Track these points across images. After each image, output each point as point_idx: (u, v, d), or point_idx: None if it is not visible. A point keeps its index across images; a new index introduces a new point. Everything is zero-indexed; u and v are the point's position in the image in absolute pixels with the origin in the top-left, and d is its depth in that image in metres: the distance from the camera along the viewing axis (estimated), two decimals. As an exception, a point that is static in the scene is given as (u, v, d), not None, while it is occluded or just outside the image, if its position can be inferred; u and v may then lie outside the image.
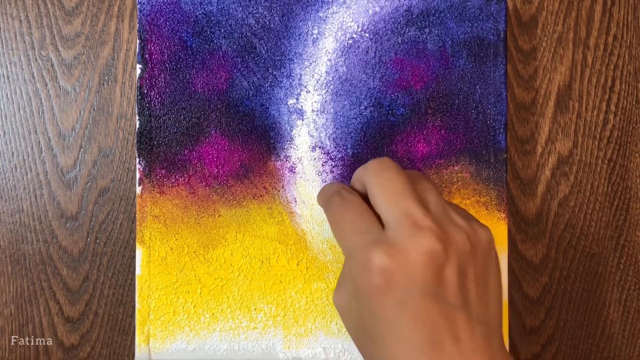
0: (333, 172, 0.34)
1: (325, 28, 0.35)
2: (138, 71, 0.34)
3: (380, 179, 0.27)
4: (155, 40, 0.34)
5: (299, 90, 0.35)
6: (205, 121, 0.34)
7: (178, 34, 0.34)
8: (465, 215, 0.27)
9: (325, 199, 0.28)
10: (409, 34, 0.35)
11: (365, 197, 0.28)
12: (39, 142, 0.36)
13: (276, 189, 0.34)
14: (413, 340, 0.24)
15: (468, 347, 0.24)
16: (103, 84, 0.36)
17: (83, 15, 0.36)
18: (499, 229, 0.34)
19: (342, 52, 0.35)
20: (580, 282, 0.37)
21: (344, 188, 0.28)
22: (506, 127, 0.34)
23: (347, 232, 0.26)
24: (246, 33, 0.34)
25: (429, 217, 0.25)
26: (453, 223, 0.26)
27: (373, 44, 0.35)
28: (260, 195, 0.34)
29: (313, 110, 0.35)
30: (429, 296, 0.24)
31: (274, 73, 0.34)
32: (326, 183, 0.33)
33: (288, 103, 0.35)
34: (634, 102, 0.37)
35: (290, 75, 0.35)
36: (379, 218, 0.26)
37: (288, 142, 0.34)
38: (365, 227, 0.26)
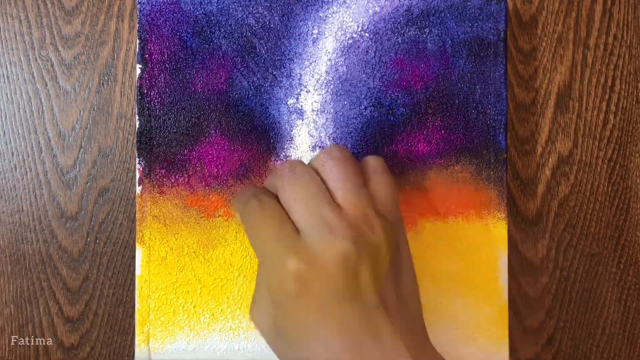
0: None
1: (325, 28, 0.35)
2: (138, 71, 0.34)
3: (290, 184, 0.26)
4: (155, 40, 0.34)
5: (299, 90, 0.35)
6: (205, 121, 0.34)
7: (178, 34, 0.34)
8: (383, 207, 0.27)
9: (242, 202, 0.27)
10: (409, 34, 0.35)
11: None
12: (39, 142, 0.36)
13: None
14: (335, 345, 0.24)
15: (390, 346, 0.24)
16: (103, 84, 0.36)
17: (83, 15, 0.36)
18: (498, 229, 0.34)
19: (342, 52, 0.35)
20: (580, 282, 0.37)
21: (261, 192, 0.27)
22: (506, 127, 0.34)
23: (263, 238, 0.26)
24: (246, 33, 0.34)
25: (342, 219, 0.25)
26: (368, 223, 0.25)
27: (373, 44, 0.35)
28: (260, 195, 0.34)
29: (313, 110, 0.35)
30: (347, 299, 0.24)
31: (274, 73, 0.34)
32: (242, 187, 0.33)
33: (288, 103, 0.35)
34: (634, 102, 0.37)
35: (290, 75, 0.35)
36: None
37: (288, 142, 0.34)
38: (282, 234, 0.25)
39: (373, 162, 0.28)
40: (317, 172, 0.27)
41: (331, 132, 0.35)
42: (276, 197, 0.27)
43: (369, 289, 0.25)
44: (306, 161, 0.34)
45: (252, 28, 0.34)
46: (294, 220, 0.26)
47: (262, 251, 0.26)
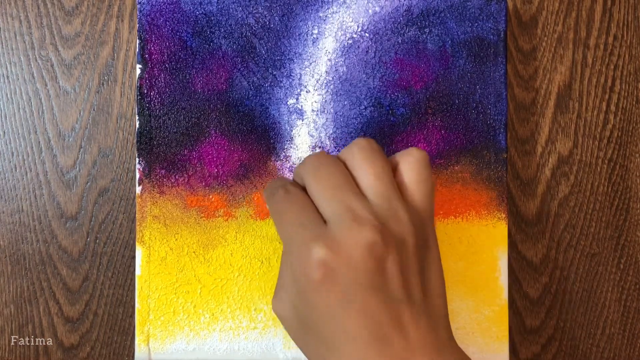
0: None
1: (325, 28, 0.35)
2: (138, 71, 0.34)
3: (317, 175, 0.26)
4: (155, 40, 0.34)
5: (299, 90, 0.35)
6: (205, 121, 0.34)
7: (178, 34, 0.34)
8: (413, 201, 0.27)
9: (270, 192, 0.28)
10: (409, 34, 0.35)
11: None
12: (39, 142, 0.36)
13: (276, 189, 0.34)
14: (360, 336, 0.24)
15: (415, 340, 0.24)
16: (103, 84, 0.36)
17: (83, 15, 0.36)
18: (499, 229, 0.34)
19: (342, 52, 0.35)
20: (580, 282, 0.37)
21: (289, 182, 0.28)
22: (506, 127, 0.34)
23: (288, 225, 0.26)
24: (246, 33, 0.34)
25: (368, 209, 0.25)
26: (394, 214, 0.25)
27: (373, 44, 0.35)
28: (260, 196, 0.34)
29: (313, 110, 0.35)
30: (372, 290, 0.24)
31: (274, 73, 0.34)
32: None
33: (288, 103, 0.35)
34: (634, 102, 0.37)
35: (290, 75, 0.35)
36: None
37: (288, 142, 0.34)
38: (307, 221, 0.25)
39: (408, 155, 0.27)
40: (345, 164, 0.27)
41: (331, 132, 0.35)
42: (303, 188, 0.27)
43: (394, 280, 0.24)
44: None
45: (252, 28, 0.34)
46: (321, 209, 0.26)
47: (288, 238, 0.26)
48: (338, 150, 0.34)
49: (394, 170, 0.27)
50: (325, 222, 0.25)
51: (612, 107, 0.37)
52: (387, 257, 0.24)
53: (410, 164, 0.27)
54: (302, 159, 0.34)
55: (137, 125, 0.34)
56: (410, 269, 0.25)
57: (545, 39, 0.37)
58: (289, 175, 0.34)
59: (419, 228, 0.26)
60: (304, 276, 0.24)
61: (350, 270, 0.24)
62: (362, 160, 0.26)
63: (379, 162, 0.26)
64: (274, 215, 0.27)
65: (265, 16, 0.34)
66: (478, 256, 0.34)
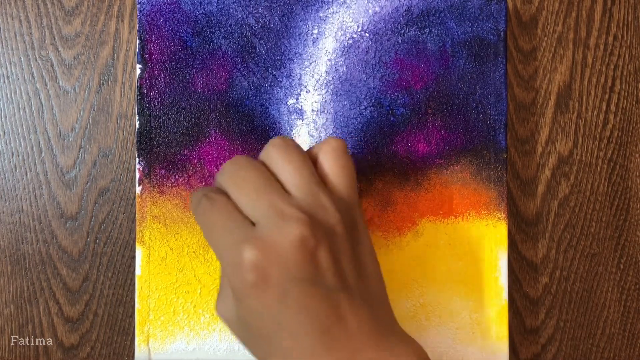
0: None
1: (325, 28, 0.35)
2: (138, 71, 0.34)
3: (237, 179, 0.26)
4: (155, 40, 0.34)
5: (299, 90, 0.35)
6: (205, 121, 0.34)
7: (178, 34, 0.34)
8: (336, 189, 0.27)
9: (194, 204, 0.27)
10: (409, 34, 0.35)
11: None
12: (39, 142, 0.36)
13: (276, 189, 0.34)
14: (301, 331, 0.24)
15: (355, 328, 0.24)
16: (103, 84, 0.36)
17: (83, 15, 0.36)
18: (499, 229, 0.34)
19: (342, 52, 0.35)
20: (580, 282, 0.37)
21: (211, 190, 0.27)
22: (506, 127, 0.34)
23: (216, 233, 0.25)
24: (246, 33, 0.34)
25: (293, 205, 0.25)
26: (320, 205, 0.25)
27: (373, 44, 0.35)
28: (260, 195, 0.34)
29: (313, 110, 0.35)
30: (307, 283, 0.24)
31: (274, 73, 0.34)
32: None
33: (288, 103, 0.35)
34: (634, 102, 0.37)
35: (290, 75, 0.35)
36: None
37: (288, 142, 0.34)
38: (234, 226, 0.25)
39: (325, 145, 0.28)
40: (265, 166, 0.27)
41: (331, 132, 0.35)
42: (227, 194, 0.27)
43: (328, 271, 0.24)
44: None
45: (252, 28, 0.34)
46: (247, 213, 0.26)
47: (218, 247, 0.25)
48: (338, 150, 0.35)
49: (314, 162, 0.28)
50: (253, 224, 0.25)
51: (612, 107, 0.37)
52: (318, 249, 0.24)
53: (328, 153, 0.27)
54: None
55: (137, 125, 0.34)
56: (343, 257, 0.25)
57: (545, 39, 0.37)
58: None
59: (346, 214, 0.26)
60: (238, 280, 0.24)
61: (283, 267, 0.24)
62: (279, 158, 0.26)
63: (296, 157, 0.26)
64: (202, 226, 0.26)
65: (265, 16, 0.34)
66: (478, 256, 0.34)
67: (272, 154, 0.27)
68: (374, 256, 0.27)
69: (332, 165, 0.27)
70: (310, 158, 0.28)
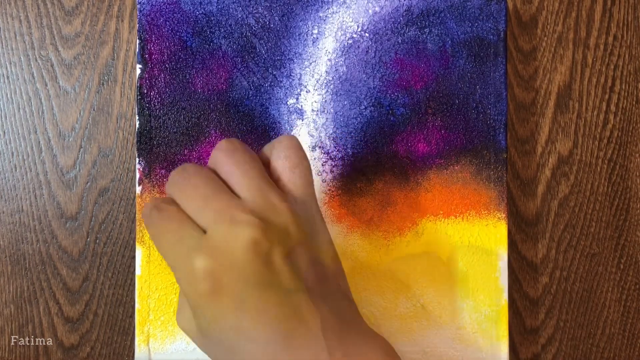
0: (333, 172, 0.34)
1: (325, 28, 0.35)
2: (138, 71, 0.34)
3: (185, 188, 0.25)
4: (155, 40, 0.34)
5: (299, 90, 0.35)
6: (205, 121, 0.34)
7: (178, 34, 0.34)
8: (290, 187, 0.26)
9: (145, 215, 0.26)
10: (409, 34, 0.35)
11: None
12: (39, 142, 0.36)
13: (276, 189, 0.34)
14: (261, 337, 0.23)
15: (317, 329, 0.24)
16: (103, 84, 0.36)
17: (83, 15, 0.36)
18: (499, 229, 0.34)
19: (342, 52, 0.35)
20: (580, 282, 0.37)
21: (161, 200, 0.26)
22: (506, 127, 0.34)
23: (168, 243, 0.25)
24: (246, 33, 0.34)
25: (243, 209, 0.24)
26: (271, 207, 0.25)
27: (373, 44, 0.35)
28: (260, 195, 0.34)
29: (313, 110, 0.35)
30: (263, 287, 0.23)
31: (274, 73, 0.34)
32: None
33: (288, 103, 0.35)
34: (634, 102, 0.37)
35: (290, 75, 0.35)
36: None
37: (288, 142, 0.34)
38: (185, 235, 0.24)
39: (277, 143, 0.27)
40: (214, 171, 0.26)
41: (331, 132, 0.35)
42: (176, 203, 0.26)
43: (285, 273, 0.24)
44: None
45: (252, 28, 0.34)
46: (197, 221, 0.25)
47: (169, 257, 0.25)
48: (338, 150, 0.35)
49: (267, 161, 0.27)
50: (204, 232, 0.25)
51: (612, 107, 0.37)
52: (272, 251, 0.24)
53: (281, 152, 0.27)
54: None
55: (137, 125, 0.34)
56: (298, 257, 0.25)
57: (545, 39, 0.37)
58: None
59: (302, 213, 0.26)
60: (193, 290, 0.24)
61: (237, 273, 0.23)
62: (227, 162, 0.26)
63: (244, 159, 0.26)
64: (153, 238, 0.26)
65: (265, 16, 0.34)
66: (478, 256, 0.34)
67: (219, 158, 0.26)
68: (334, 252, 0.27)
69: (285, 163, 0.26)
70: (263, 158, 0.27)
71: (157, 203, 0.26)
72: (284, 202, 0.25)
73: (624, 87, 0.37)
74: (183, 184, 0.26)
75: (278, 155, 0.27)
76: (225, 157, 0.26)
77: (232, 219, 0.24)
